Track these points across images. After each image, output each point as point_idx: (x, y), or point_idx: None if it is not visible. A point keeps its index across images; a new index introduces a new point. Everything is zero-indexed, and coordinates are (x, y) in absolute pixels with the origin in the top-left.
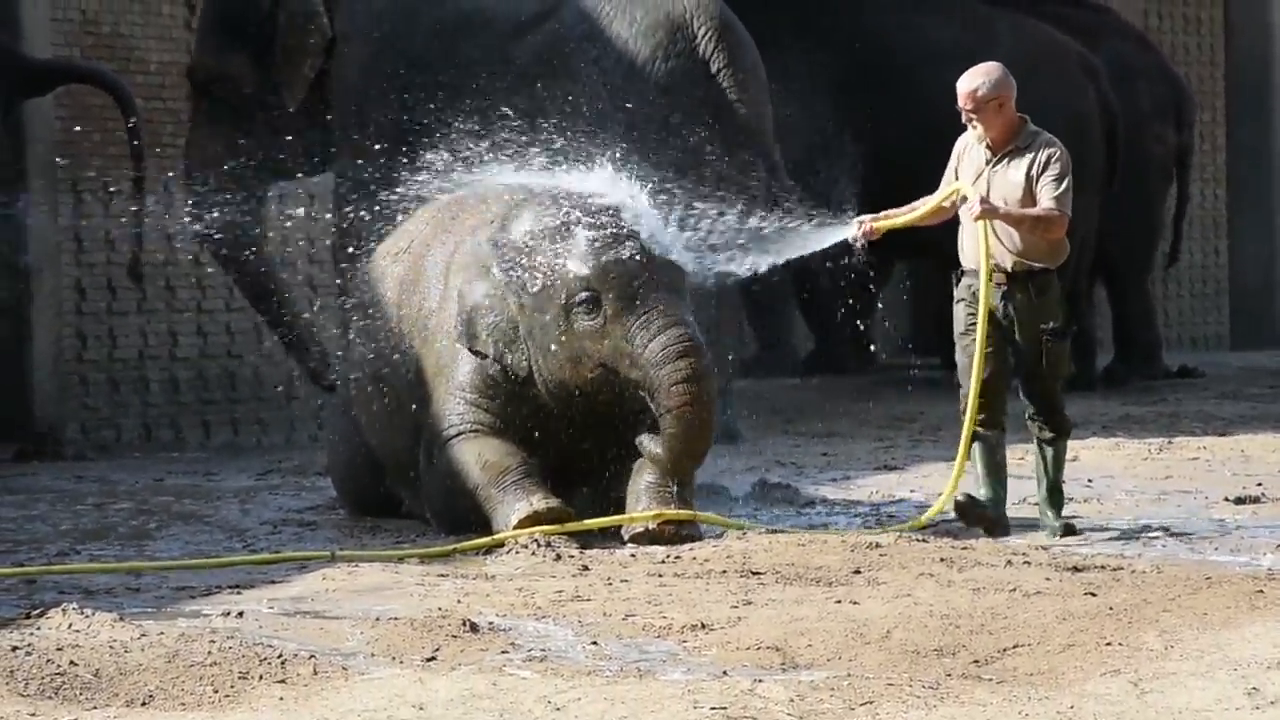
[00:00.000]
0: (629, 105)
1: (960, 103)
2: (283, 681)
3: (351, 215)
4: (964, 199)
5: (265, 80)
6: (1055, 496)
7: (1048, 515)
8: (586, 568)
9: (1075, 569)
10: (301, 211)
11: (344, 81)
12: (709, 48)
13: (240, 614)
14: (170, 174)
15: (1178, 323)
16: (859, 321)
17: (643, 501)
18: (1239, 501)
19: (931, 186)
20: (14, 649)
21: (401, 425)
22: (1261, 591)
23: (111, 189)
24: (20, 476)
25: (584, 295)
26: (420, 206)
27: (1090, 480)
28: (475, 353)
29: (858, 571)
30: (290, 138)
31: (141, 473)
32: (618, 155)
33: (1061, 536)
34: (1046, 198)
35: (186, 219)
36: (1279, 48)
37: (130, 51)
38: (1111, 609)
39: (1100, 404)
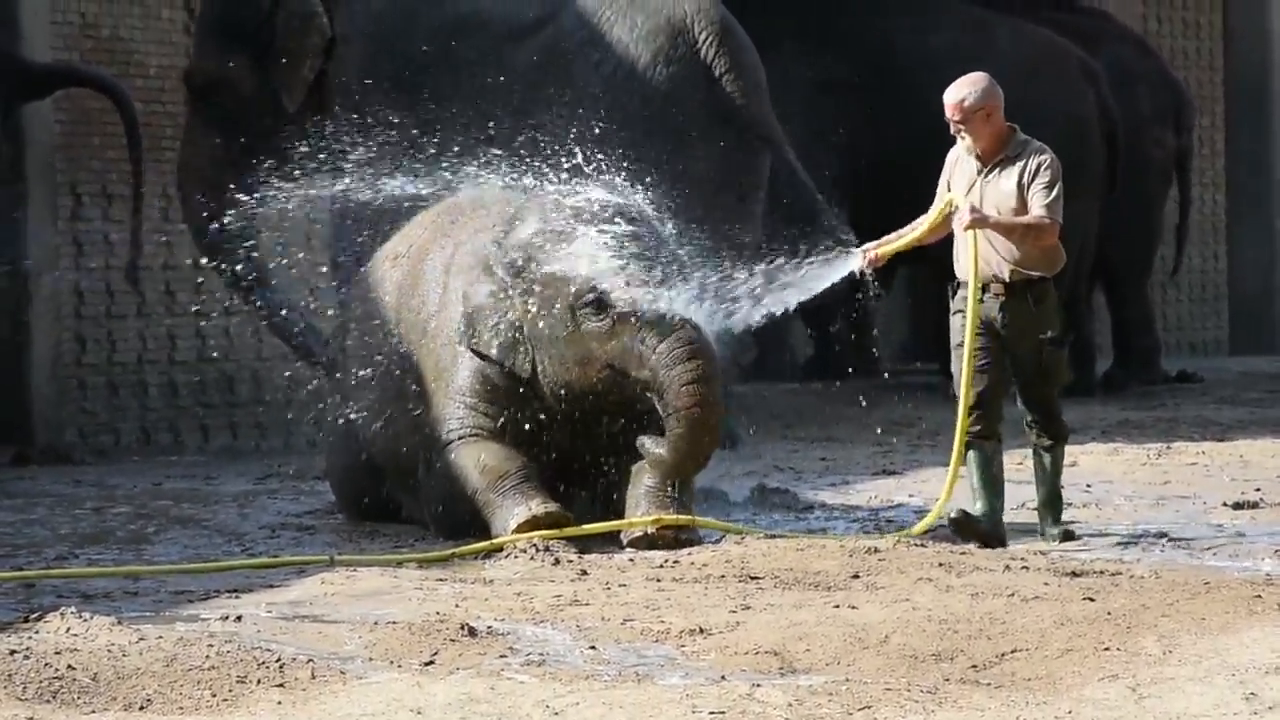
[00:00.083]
0: (629, 111)
1: (948, 114)
2: (281, 686)
3: (348, 218)
4: (956, 210)
5: (264, 83)
6: (1054, 502)
7: (1046, 521)
8: (585, 572)
9: (1074, 574)
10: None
11: (342, 85)
12: (710, 52)
13: (238, 618)
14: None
15: (1177, 328)
16: (860, 327)
17: (641, 506)
18: (1237, 507)
19: (932, 191)
20: (12, 653)
21: (400, 429)
22: (1260, 597)
23: (110, 193)
24: (18, 480)
25: (591, 296)
26: (419, 211)
27: (1089, 485)
28: (480, 355)
29: (856, 576)
30: (287, 141)
31: (140, 477)
32: (617, 165)
33: (1060, 542)
34: (1037, 205)
35: (182, 225)
36: (1278, 53)
37: (130, 55)
38: (1110, 614)
39: (1099, 409)
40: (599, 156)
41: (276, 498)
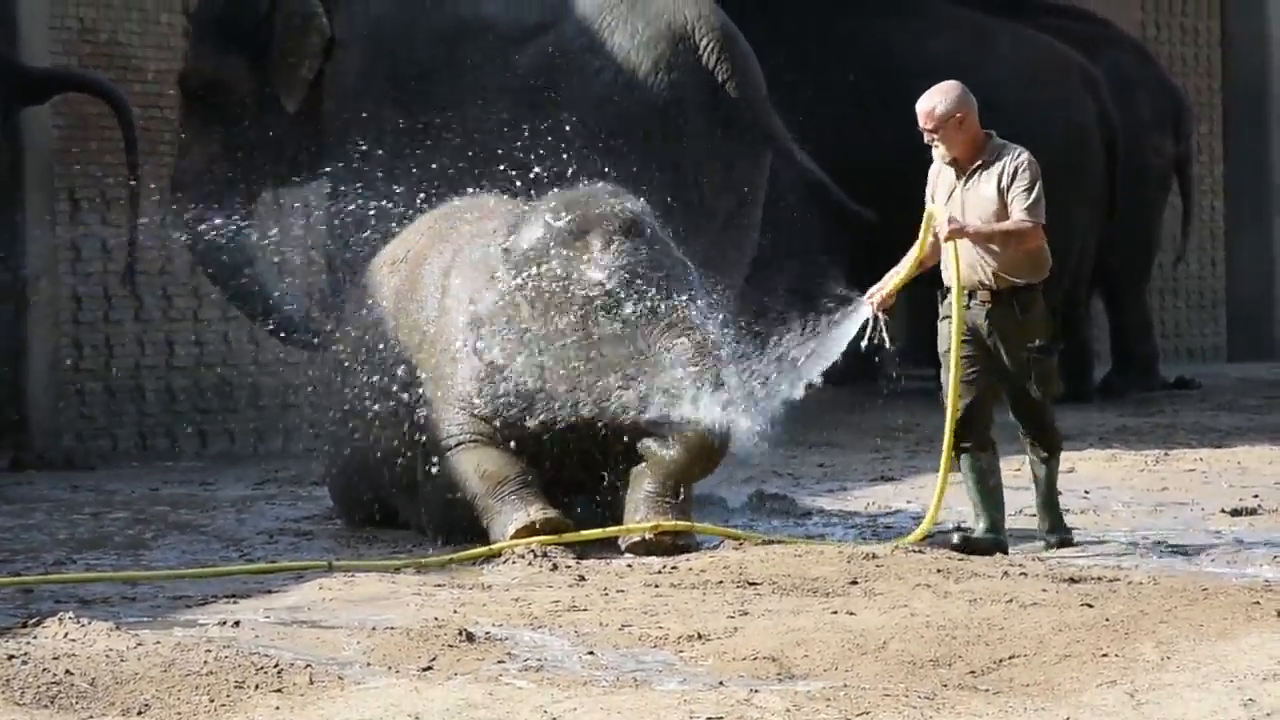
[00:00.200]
0: (631, 117)
1: (920, 123)
2: (279, 691)
3: (345, 222)
4: (935, 222)
5: (261, 84)
6: (1051, 509)
7: (1044, 527)
8: (583, 578)
9: (1072, 580)
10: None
11: (339, 87)
12: (712, 58)
13: (236, 623)
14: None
15: (1175, 334)
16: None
17: (640, 511)
18: (1235, 513)
19: None
20: (10, 658)
21: (399, 434)
22: (1258, 603)
23: (108, 198)
24: (16, 486)
25: (601, 301)
26: (417, 215)
27: (1087, 492)
28: (489, 362)
29: (854, 582)
30: (283, 145)
31: (138, 482)
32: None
33: (1058, 548)
34: (1018, 209)
35: (178, 232)
36: (1276, 59)
37: (128, 60)
38: (1108, 620)
39: (1097, 415)
40: (600, 163)
41: (274, 503)
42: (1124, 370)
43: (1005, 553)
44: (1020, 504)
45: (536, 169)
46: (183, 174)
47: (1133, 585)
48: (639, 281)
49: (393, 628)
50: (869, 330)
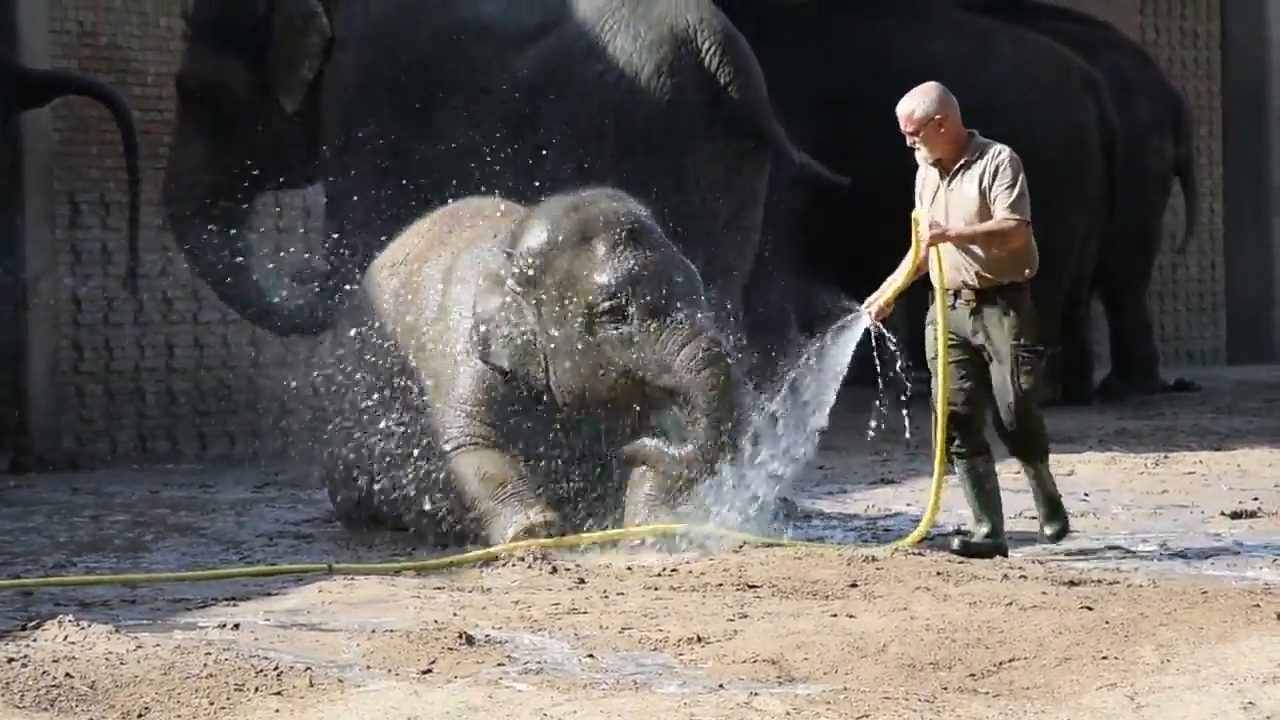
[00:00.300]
0: (632, 120)
1: (901, 126)
2: (279, 694)
3: (342, 225)
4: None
5: (259, 85)
6: (1051, 505)
7: (1041, 517)
8: (583, 581)
9: (1071, 583)
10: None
11: (338, 89)
12: (714, 61)
13: (236, 626)
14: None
15: (1174, 337)
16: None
17: (640, 514)
18: (1235, 516)
19: None
20: (10, 661)
21: (399, 437)
22: (1258, 606)
23: (108, 201)
24: (16, 488)
25: (608, 305)
26: (416, 219)
27: (1087, 494)
28: (494, 367)
29: (854, 585)
30: (281, 147)
31: (137, 485)
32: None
33: (1055, 541)
34: (1000, 207)
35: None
36: (1276, 61)
37: (128, 63)
38: (1108, 623)
39: (1097, 418)
40: (601, 166)
41: (274, 506)
42: (1124, 373)
43: (1005, 556)
44: (1019, 507)
45: (537, 172)
46: (177, 175)
47: (1132, 588)
48: (644, 286)
49: (392, 630)
50: (872, 341)
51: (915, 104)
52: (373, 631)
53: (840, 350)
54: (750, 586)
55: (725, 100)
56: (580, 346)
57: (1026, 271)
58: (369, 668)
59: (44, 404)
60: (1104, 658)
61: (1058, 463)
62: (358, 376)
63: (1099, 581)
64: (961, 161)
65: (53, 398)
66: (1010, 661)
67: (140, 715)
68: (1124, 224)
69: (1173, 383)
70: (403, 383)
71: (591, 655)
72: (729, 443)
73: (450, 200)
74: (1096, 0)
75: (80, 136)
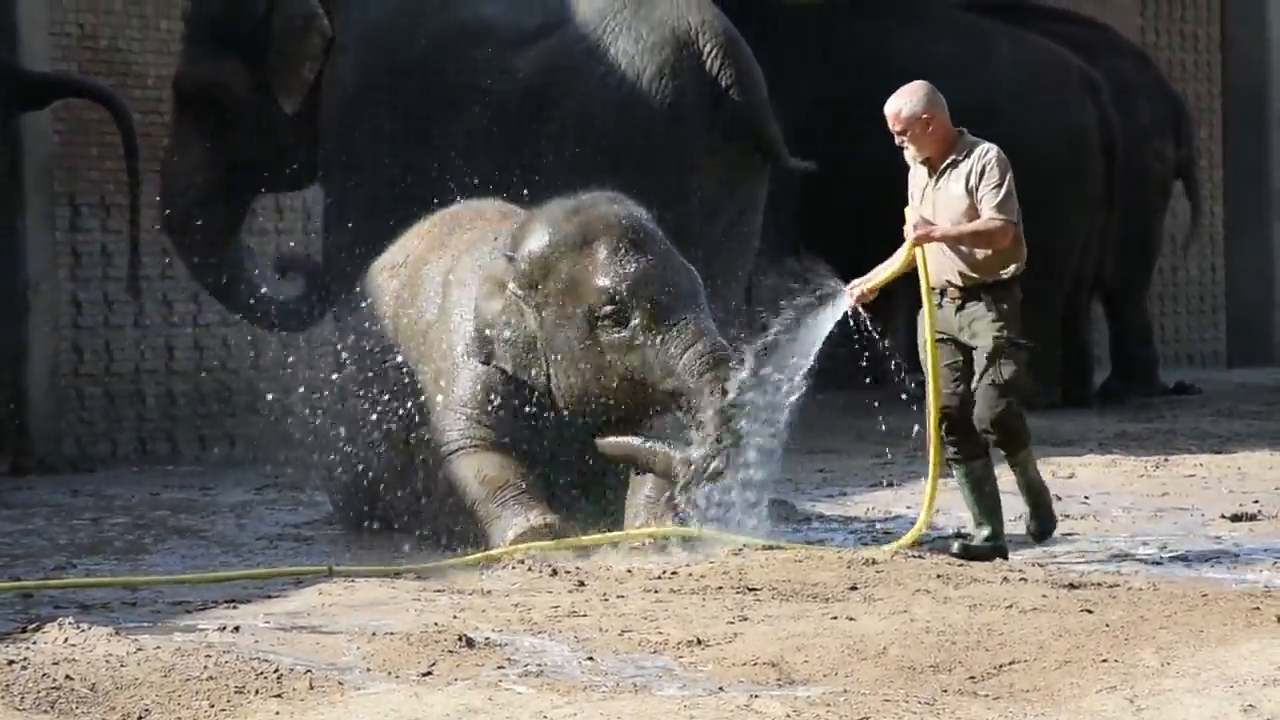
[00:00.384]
0: (634, 122)
1: (889, 125)
2: (279, 696)
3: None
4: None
5: (259, 87)
6: (1035, 499)
7: (1027, 512)
8: (583, 583)
9: (1072, 586)
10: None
11: (338, 90)
12: (716, 64)
13: (236, 629)
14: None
15: (1174, 339)
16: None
17: (640, 516)
18: (1235, 519)
19: None
20: (10, 663)
21: (398, 439)
22: (1258, 609)
23: (108, 203)
24: (16, 490)
25: (610, 308)
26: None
27: (1087, 497)
28: (496, 369)
29: (854, 588)
30: (280, 148)
31: (137, 487)
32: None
33: (1037, 538)
34: (987, 207)
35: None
36: (1276, 64)
37: (128, 66)
38: (1108, 626)
39: (1097, 421)
40: (602, 168)
41: (274, 508)
42: (1124, 375)
43: (1005, 559)
44: (1018, 509)
45: (537, 174)
46: (172, 178)
47: (1132, 591)
48: (645, 289)
49: (392, 633)
50: (850, 322)
51: (902, 103)
52: (373, 634)
53: (817, 327)
54: (750, 589)
55: (726, 103)
56: (581, 350)
57: (1013, 268)
58: (369, 670)
59: (44, 406)
60: (1104, 660)
61: (1058, 466)
62: (358, 378)
63: (1099, 584)
64: (949, 160)
65: (53, 400)
66: (1010, 664)
67: (140, 717)
68: (1124, 227)
69: (1173, 385)
70: (403, 384)
71: (591, 658)
72: (730, 445)
73: (451, 202)
74: (1096, 2)
75: (80, 139)
